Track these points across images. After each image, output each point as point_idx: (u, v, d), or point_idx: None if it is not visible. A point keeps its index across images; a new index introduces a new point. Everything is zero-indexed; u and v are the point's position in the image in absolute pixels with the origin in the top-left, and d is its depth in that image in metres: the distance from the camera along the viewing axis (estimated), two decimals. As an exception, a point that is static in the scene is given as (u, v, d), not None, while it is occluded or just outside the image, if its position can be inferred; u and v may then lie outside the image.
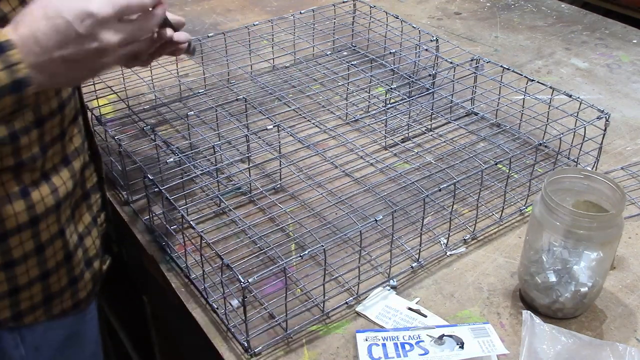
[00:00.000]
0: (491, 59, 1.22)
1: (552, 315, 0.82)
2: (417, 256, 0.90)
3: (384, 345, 0.76)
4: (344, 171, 1.07)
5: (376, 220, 0.82)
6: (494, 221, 0.97)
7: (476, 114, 1.22)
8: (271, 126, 1.01)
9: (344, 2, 1.45)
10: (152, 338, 1.21)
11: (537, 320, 0.79)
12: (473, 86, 1.21)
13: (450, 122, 1.19)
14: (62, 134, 0.75)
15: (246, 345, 0.77)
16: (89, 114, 1.03)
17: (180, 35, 0.86)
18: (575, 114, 1.07)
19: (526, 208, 1.00)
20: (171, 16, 0.84)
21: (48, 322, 0.81)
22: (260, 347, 0.77)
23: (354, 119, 1.20)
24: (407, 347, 0.75)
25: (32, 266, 0.76)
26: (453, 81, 1.21)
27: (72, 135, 0.78)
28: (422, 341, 0.76)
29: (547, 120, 1.11)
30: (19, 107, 0.64)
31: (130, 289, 1.17)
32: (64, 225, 0.78)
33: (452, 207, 0.94)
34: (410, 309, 0.82)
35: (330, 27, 1.43)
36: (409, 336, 0.77)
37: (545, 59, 1.45)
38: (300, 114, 1.21)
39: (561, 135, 1.03)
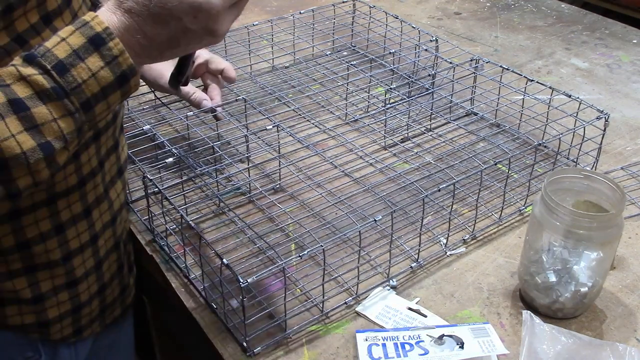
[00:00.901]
0: (491, 59, 1.22)
1: (552, 315, 0.82)
2: (416, 256, 0.90)
3: (384, 345, 0.76)
4: (343, 171, 1.07)
5: (375, 220, 0.82)
6: (494, 221, 0.97)
7: (476, 114, 1.22)
8: (271, 126, 1.01)
9: (343, 2, 1.45)
10: (152, 338, 1.20)
11: (537, 320, 0.79)
12: (473, 86, 1.20)
13: (450, 122, 1.19)
14: (116, 145, 0.75)
15: (245, 345, 0.77)
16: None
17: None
18: (575, 114, 1.06)
19: (526, 208, 1.00)
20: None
21: (99, 333, 0.81)
22: (260, 347, 0.77)
23: (353, 119, 1.20)
24: (407, 347, 0.75)
25: (92, 282, 0.76)
26: (453, 81, 1.20)
27: (123, 145, 0.78)
28: (422, 341, 0.76)
29: (547, 121, 1.10)
30: (125, 98, 0.59)
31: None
32: (118, 238, 0.78)
33: (452, 207, 0.94)
34: (410, 309, 0.82)
35: (330, 27, 1.43)
36: (409, 336, 0.77)
37: (545, 59, 1.45)
38: (299, 114, 1.21)
39: (561, 136, 1.03)
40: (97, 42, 0.54)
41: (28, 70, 0.53)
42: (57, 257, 0.70)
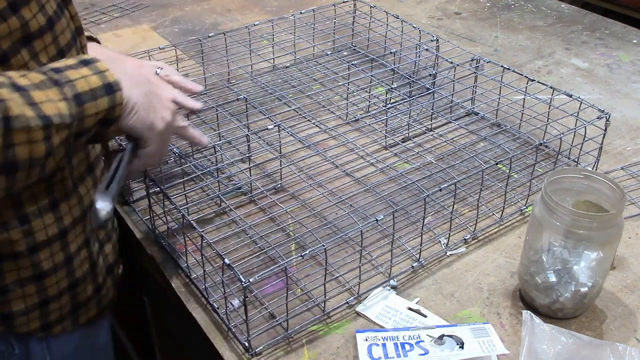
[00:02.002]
0: (491, 59, 1.22)
1: (552, 315, 0.82)
2: (417, 256, 0.90)
3: (384, 345, 0.76)
4: (344, 171, 1.07)
5: (377, 220, 0.82)
6: (495, 221, 0.98)
7: (476, 113, 1.22)
8: (271, 126, 1.02)
9: (344, 2, 1.45)
10: (152, 338, 1.21)
11: (537, 320, 0.79)
12: (473, 86, 1.21)
13: (451, 122, 1.20)
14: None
15: (247, 345, 0.77)
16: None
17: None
18: (576, 114, 1.07)
19: (526, 208, 1.00)
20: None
21: (72, 332, 0.81)
22: (261, 347, 0.77)
23: (354, 119, 1.20)
24: (407, 347, 0.76)
25: (61, 278, 0.76)
26: (453, 81, 1.21)
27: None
28: (422, 341, 0.76)
29: (548, 120, 1.11)
30: (111, 115, 0.68)
31: (130, 289, 1.17)
32: (89, 235, 0.78)
33: (453, 207, 0.94)
34: (410, 309, 0.83)
35: (330, 27, 1.43)
36: (409, 336, 0.77)
37: (545, 59, 1.45)
38: (300, 114, 1.21)
39: (561, 135, 1.03)
40: (87, 62, 0.67)
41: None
42: (23, 249, 0.71)
